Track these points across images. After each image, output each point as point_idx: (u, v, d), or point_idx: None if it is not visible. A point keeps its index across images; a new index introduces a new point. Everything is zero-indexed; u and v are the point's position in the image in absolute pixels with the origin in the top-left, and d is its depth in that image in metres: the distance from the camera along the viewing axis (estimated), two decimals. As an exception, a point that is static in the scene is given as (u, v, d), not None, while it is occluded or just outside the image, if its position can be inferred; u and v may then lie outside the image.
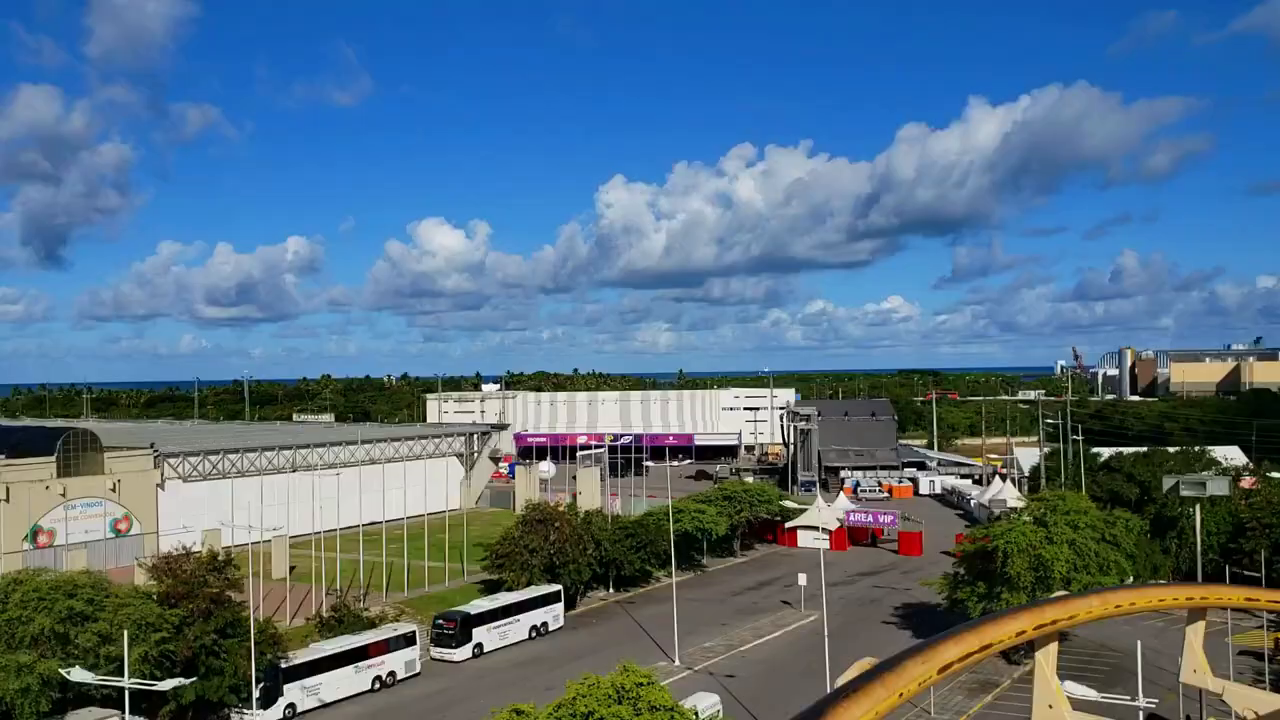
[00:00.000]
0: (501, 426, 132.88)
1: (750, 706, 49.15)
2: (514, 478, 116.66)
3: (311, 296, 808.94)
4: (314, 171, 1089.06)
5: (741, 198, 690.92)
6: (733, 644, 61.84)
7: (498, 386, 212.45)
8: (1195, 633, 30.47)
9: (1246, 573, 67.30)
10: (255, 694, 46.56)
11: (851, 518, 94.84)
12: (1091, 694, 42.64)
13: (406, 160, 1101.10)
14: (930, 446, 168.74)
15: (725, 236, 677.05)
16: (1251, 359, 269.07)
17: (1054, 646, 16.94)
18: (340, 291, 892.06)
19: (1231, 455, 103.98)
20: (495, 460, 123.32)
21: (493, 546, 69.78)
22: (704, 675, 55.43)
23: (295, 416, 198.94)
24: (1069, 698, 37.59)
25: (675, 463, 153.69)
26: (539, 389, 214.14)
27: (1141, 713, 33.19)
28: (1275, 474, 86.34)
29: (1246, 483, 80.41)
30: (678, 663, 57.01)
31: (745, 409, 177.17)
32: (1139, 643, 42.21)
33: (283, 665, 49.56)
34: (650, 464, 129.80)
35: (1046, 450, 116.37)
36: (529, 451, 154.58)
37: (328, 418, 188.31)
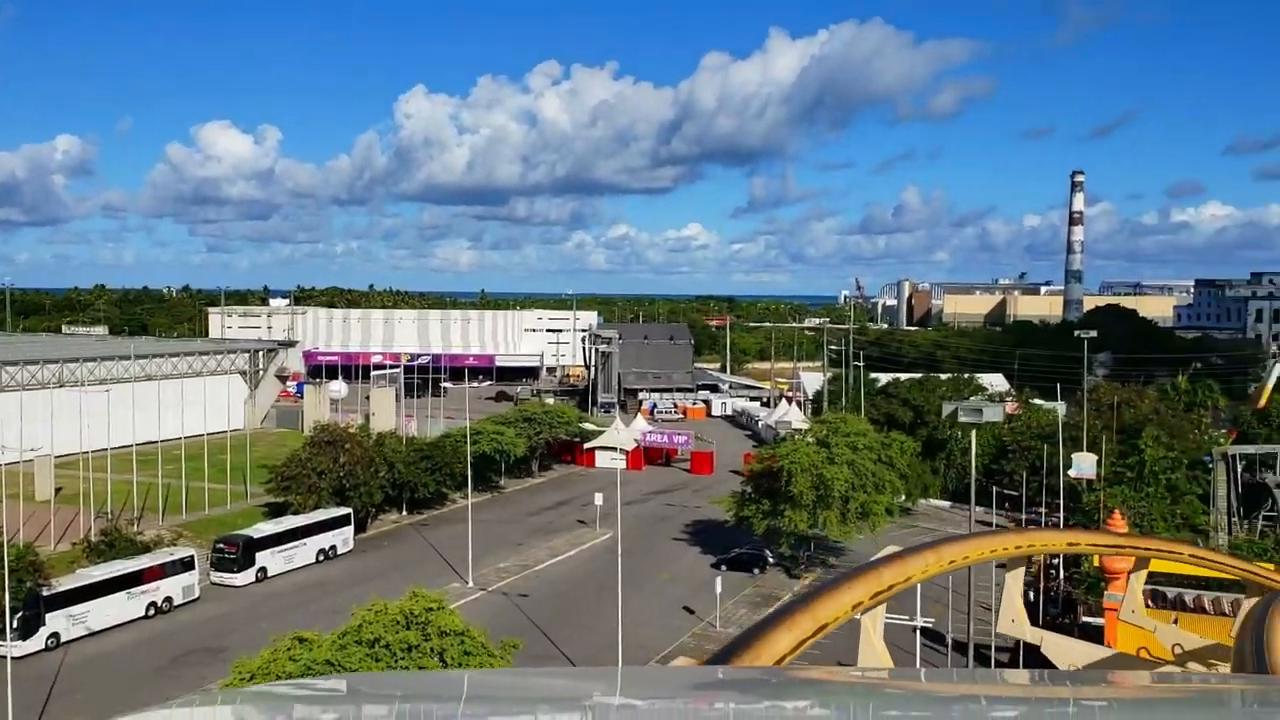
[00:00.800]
0: (290, 343, 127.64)
1: (544, 625, 49.55)
2: (302, 397, 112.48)
3: (84, 200, 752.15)
4: (87, 62, 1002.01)
5: (547, 116, 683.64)
6: (527, 564, 62.10)
7: (286, 301, 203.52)
8: (1015, 579, 31.14)
9: (1006, 491, 72.62)
10: (12, 624, 43.40)
11: (648, 438, 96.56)
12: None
13: (191, 58, 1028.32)
14: (723, 370, 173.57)
15: (530, 155, 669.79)
16: (1016, 293, 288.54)
17: (881, 609, 17.15)
18: (116, 196, 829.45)
19: (996, 382, 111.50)
20: (282, 379, 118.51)
21: (278, 469, 67.17)
22: (497, 595, 55.48)
23: (65, 329, 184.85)
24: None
25: (475, 384, 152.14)
26: (331, 305, 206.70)
27: (918, 631, 34.90)
28: (1036, 400, 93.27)
29: (1009, 408, 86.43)
30: (471, 584, 56.79)
31: (548, 331, 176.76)
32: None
33: (45, 593, 46.36)
34: (449, 385, 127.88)
35: (830, 375, 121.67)
36: (319, 370, 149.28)
37: (100, 330, 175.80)
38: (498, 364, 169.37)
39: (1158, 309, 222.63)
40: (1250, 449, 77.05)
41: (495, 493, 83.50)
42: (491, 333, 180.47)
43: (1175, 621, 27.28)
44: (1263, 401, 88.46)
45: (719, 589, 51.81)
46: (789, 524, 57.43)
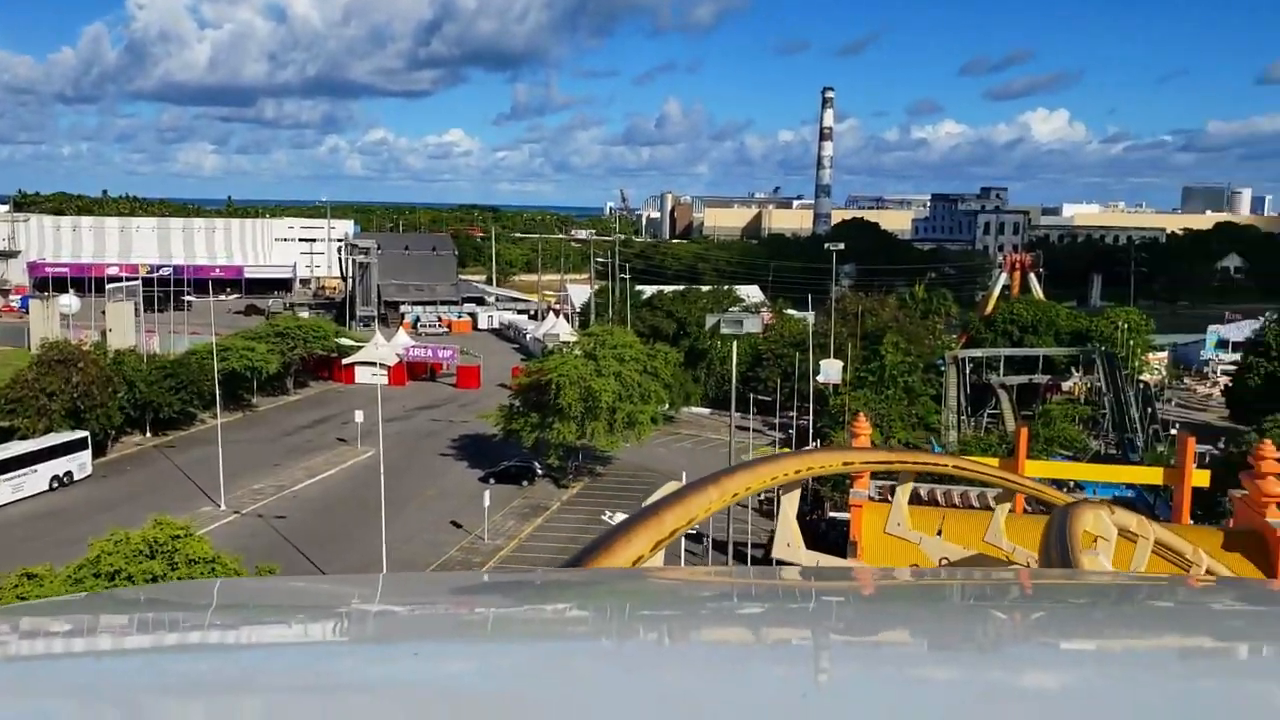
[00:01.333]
0: (11, 254, 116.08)
1: (303, 546, 48.00)
2: (28, 312, 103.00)
3: None
4: None
5: (297, 12, 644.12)
6: (284, 484, 59.81)
7: (5, 208, 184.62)
8: (790, 503, 31.69)
9: (761, 397, 75.91)
10: None
11: (411, 353, 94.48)
12: None
13: None
14: (489, 282, 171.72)
15: (278, 53, 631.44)
16: (771, 206, 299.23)
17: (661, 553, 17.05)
18: None
19: (752, 294, 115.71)
20: (4, 293, 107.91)
21: (1, 390, 61.35)
22: (252, 518, 53.22)
23: None
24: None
25: (222, 297, 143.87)
26: (60, 212, 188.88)
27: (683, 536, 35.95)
28: (789, 311, 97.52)
29: (765, 318, 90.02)
30: (223, 507, 54.18)
31: (300, 240, 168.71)
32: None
33: None
34: (193, 298, 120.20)
35: (596, 287, 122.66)
36: (47, 283, 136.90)
37: None
38: (247, 276, 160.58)
39: (898, 222, 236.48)
40: (978, 352, 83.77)
41: (248, 412, 79.67)
42: (239, 242, 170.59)
43: (940, 533, 28.93)
44: (989, 308, 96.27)
45: (487, 502, 51.71)
46: (557, 436, 57.83)
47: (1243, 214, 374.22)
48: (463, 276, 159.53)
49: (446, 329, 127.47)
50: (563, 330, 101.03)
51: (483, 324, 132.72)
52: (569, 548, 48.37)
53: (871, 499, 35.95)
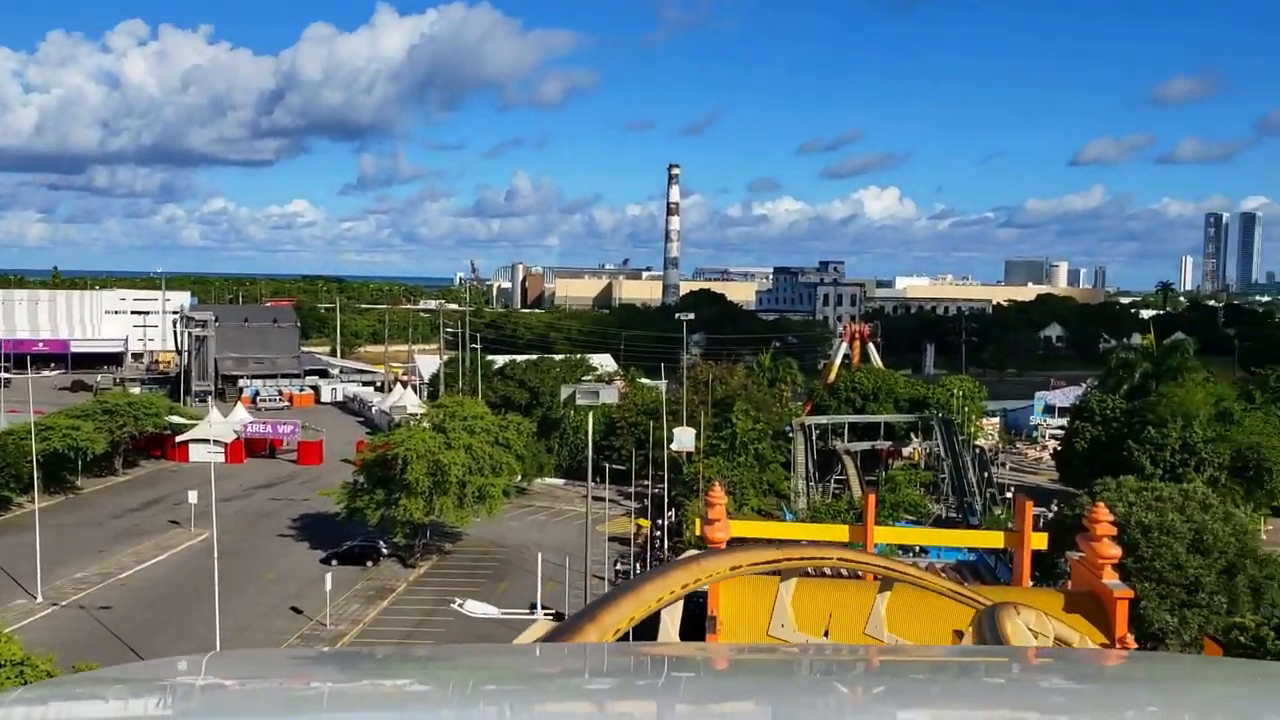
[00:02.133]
0: None
1: (130, 639, 44.72)
2: None
3: None
4: None
5: (131, 79, 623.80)
6: (110, 572, 55.89)
7: None
8: (673, 618, 29.79)
9: (615, 466, 75.61)
10: None
11: (249, 429, 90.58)
12: (493, 611, 44.59)
13: None
14: (334, 354, 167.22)
15: (111, 120, 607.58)
16: (621, 277, 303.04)
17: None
18: None
19: (605, 362, 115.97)
20: None
21: None
22: (74, 610, 49.41)
23: None
24: (472, 616, 38.38)
25: (46, 372, 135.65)
26: None
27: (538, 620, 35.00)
28: (642, 379, 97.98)
29: (618, 386, 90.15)
30: (40, 599, 50.14)
31: (133, 312, 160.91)
32: (539, 555, 45.02)
33: None
34: (10, 375, 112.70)
35: (446, 358, 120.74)
36: None
37: None
38: (73, 349, 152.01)
39: (743, 294, 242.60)
40: (823, 419, 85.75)
41: (71, 494, 74.59)
42: (66, 314, 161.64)
43: (826, 634, 28.53)
44: (831, 377, 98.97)
45: (329, 585, 49.31)
46: (403, 513, 55.89)
47: (1060, 285, 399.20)
48: (306, 348, 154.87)
49: (288, 403, 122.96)
50: (410, 402, 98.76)
51: (326, 397, 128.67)
52: (417, 631, 46.64)
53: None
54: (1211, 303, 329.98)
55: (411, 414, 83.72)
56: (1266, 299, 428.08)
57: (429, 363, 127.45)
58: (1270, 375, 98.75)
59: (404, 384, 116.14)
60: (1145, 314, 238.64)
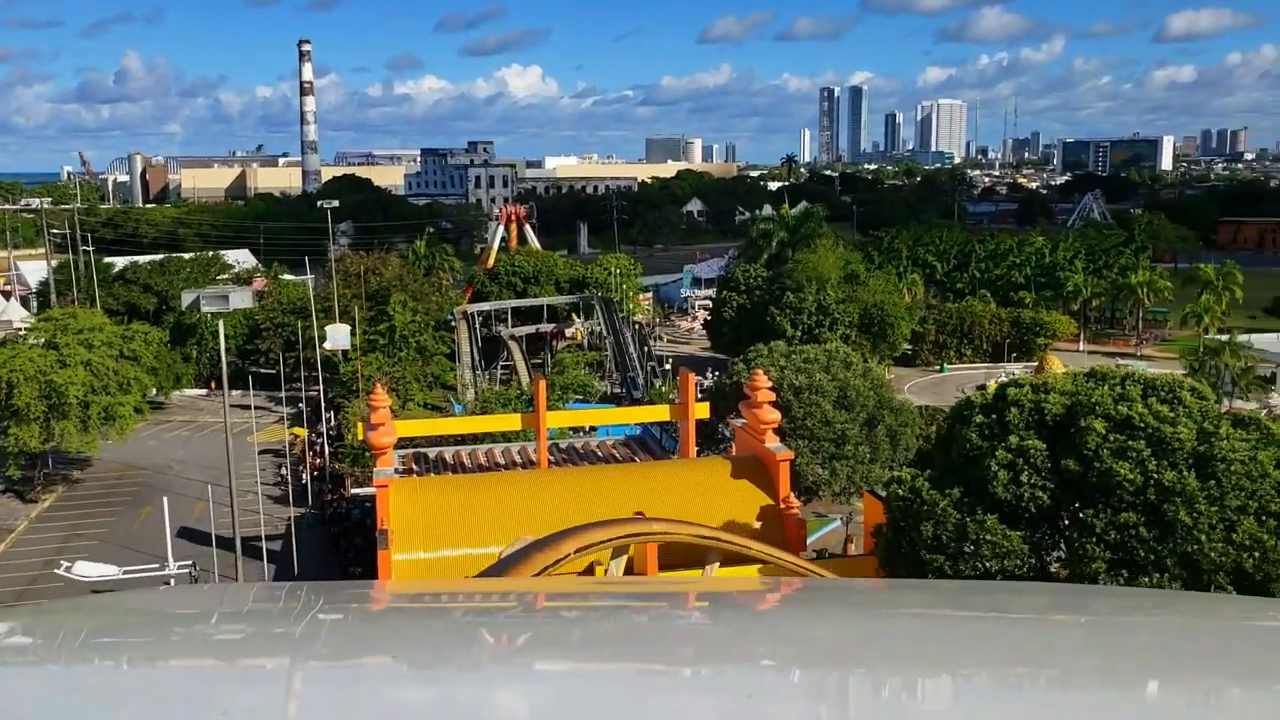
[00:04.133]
0: None
1: None
2: None
3: None
4: None
5: None
6: None
7: None
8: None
9: (264, 370, 70.48)
10: None
11: None
12: (112, 571, 39.33)
13: None
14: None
15: None
16: (255, 165, 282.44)
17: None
18: None
19: (243, 258, 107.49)
20: None
21: None
22: None
23: None
24: (86, 580, 34.02)
25: None
26: None
27: (174, 580, 31.20)
28: (285, 275, 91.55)
29: (258, 284, 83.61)
30: None
31: None
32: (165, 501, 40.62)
33: None
34: None
35: (55, 264, 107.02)
36: None
37: None
38: None
39: (390, 178, 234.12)
40: (486, 306, 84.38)
41: None
42: None
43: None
44: (490, 261, 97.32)
45: (-73, 535, 42.42)
46: (15, 443, 48.88)
47: (697, 162, 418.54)
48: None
49: None
50: (15, 316, 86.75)
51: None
52: (48, 574, 41.20)
53: (397, 473, 33.98)
54: (829, 173, 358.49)
55: (17, 329, 73.38)
56: (873, 167, 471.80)
57: (36, 269, 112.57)
58: (885, 237, 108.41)
59: (6, 295, 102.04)
60: (773, 186, 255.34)
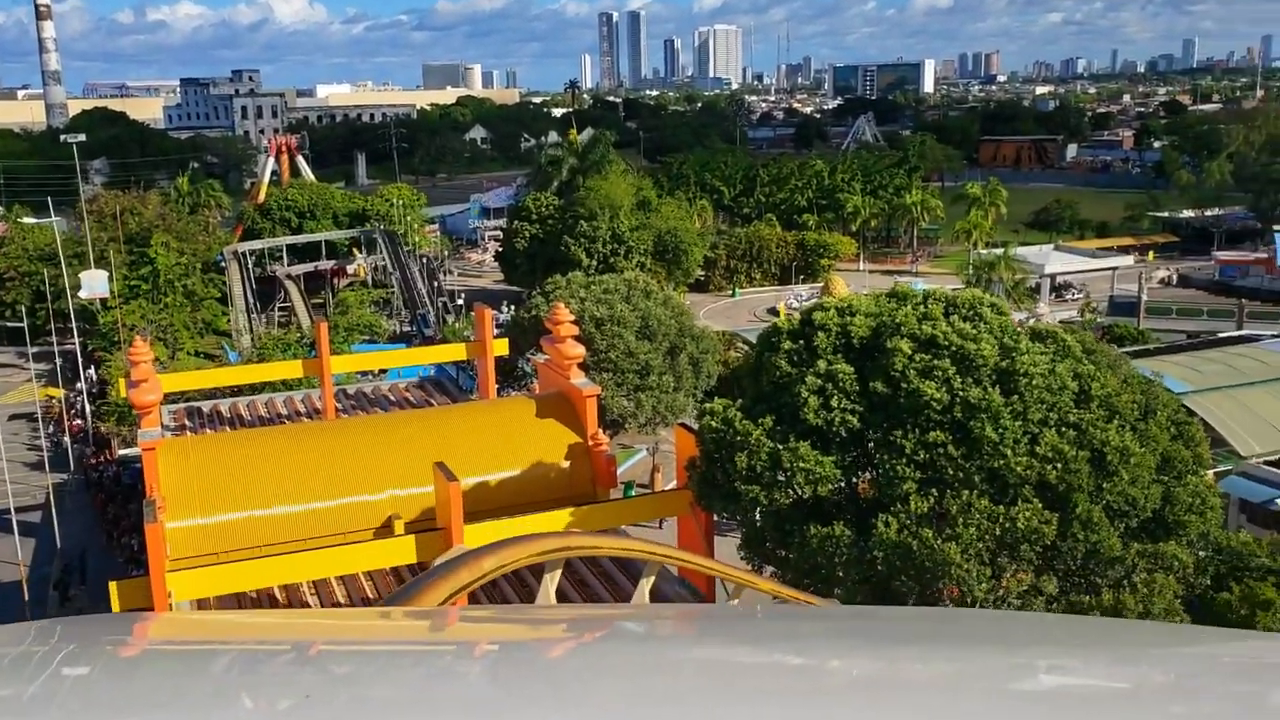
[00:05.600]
0: None
1: None
2: None
3: None
4: None
5: None
6: None
7: None
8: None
9: (10, 324, 63.84)
10: None
11: None
12: None
13: None
14: None
15: None
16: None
17: None
18: None
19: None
20: None
21: None
22: None
23: None
24: None
25: None
26: None
27: None
28: (27, 219, 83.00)
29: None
30: None
31: None
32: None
33: None
34: None
35: None
36: None
37: None
38: None
39: (148, 111, 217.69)
40: (258, 244, 79.23)
41: None
42: None
43: None
44: (261, 196, 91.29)
45: None
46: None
47: (477, 89, 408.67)
48: None
49: None
50: None
51: None
52: None
53: (168, 431, 30.95)
54: (612, 99, 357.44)
55: None
56: (655, 93, 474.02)
57: None
58: (672, 163, 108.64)
59: None
60: (557, 112, 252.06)
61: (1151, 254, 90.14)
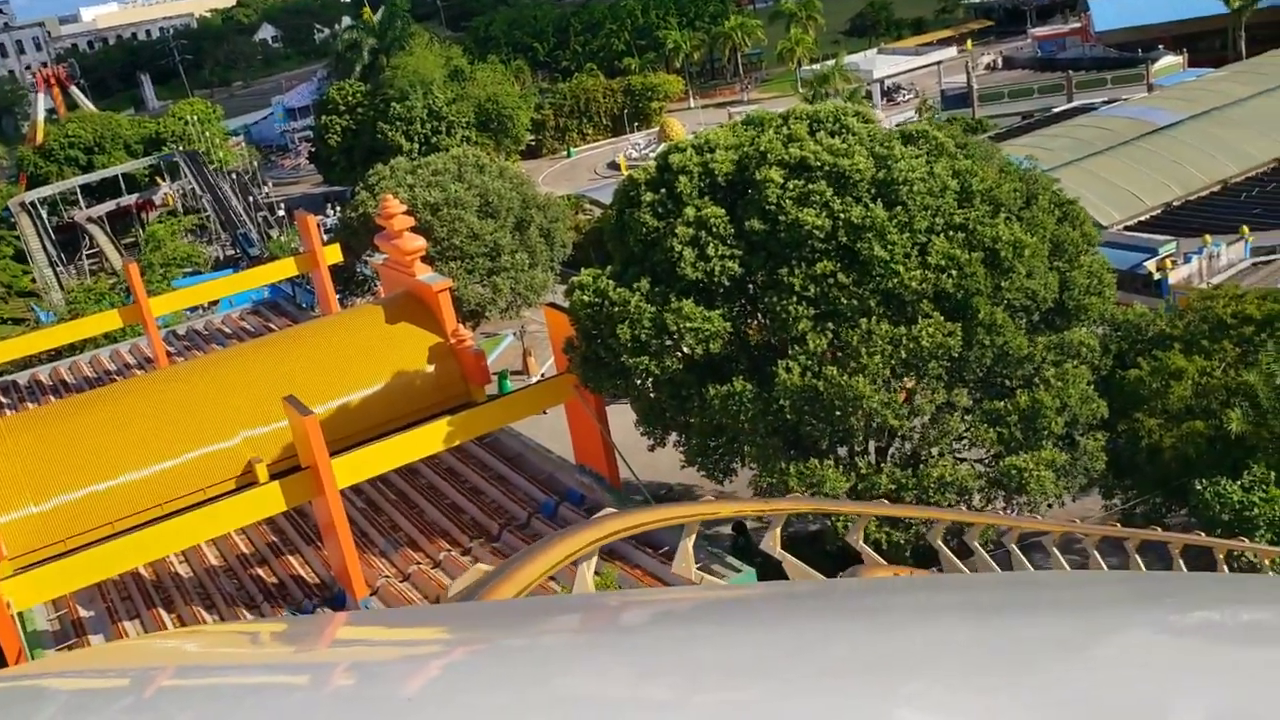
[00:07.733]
0: None
1: None
2: None
3: None
4: None
5: None
6: None
7: None
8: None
9: None
10: None
11: None
12: None
13: None
14: None
15: None
16: None
17: None
18: None
19: None
20: None
21: None
22: None
23: None
24: None
25: None
26: None
27: None
28: None
29: None
30: None
31: None
32: None
33: None
34: None
35: None
36: None
37: None
38: None
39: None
40: (48, 190, 72.34)
41: None
42: None
43: None
44: (39, 138, 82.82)
45: None
46: None
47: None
48: None
49: None
50: None
51: None
52: None
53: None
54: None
55: None
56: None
57: None
58: (479, 26, 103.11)
59: None
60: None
61: (970, 42, 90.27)
